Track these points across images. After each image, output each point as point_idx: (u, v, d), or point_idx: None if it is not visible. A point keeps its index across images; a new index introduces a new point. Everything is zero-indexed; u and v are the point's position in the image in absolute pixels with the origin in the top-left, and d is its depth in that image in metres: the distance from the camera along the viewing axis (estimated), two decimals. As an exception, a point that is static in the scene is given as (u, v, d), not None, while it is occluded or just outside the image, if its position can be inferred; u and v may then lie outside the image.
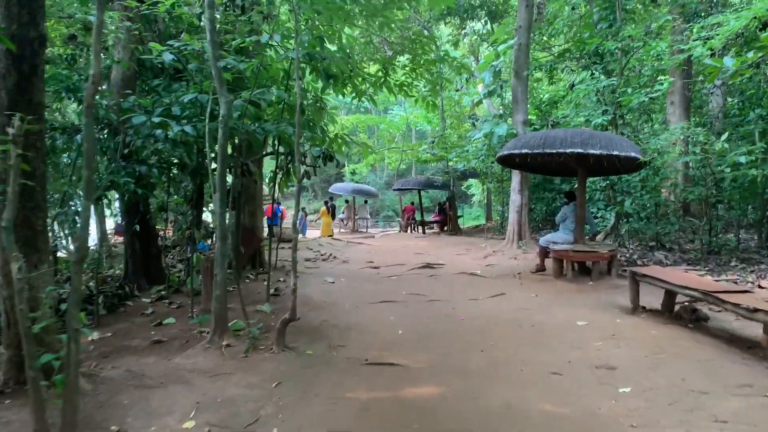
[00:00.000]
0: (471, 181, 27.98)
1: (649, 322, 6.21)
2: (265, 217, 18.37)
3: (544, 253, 9.80)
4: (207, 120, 5.19)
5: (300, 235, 19.05)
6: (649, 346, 5.15)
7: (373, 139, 27.41)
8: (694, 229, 11.53)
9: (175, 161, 6.64)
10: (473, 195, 34.72)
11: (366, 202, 26.16)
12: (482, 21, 19.22)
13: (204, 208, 9.69)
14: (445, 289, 8.39)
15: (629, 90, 9.85)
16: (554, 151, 8.31)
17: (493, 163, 16.44)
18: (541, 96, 15.42)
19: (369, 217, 26.41)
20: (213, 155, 6.90)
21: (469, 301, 7.48)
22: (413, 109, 27.17)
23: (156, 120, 5.70)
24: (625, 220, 10.96)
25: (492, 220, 21.94)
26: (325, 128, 7.35)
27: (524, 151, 8.57)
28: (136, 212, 7.79)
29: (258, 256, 9.40)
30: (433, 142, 19.08)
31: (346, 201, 25.91)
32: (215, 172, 5.23)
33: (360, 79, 7.22)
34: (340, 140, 7.81)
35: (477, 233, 19.95)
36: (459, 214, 21.47)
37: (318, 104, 8.20)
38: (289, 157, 8.93)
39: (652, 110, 13.68)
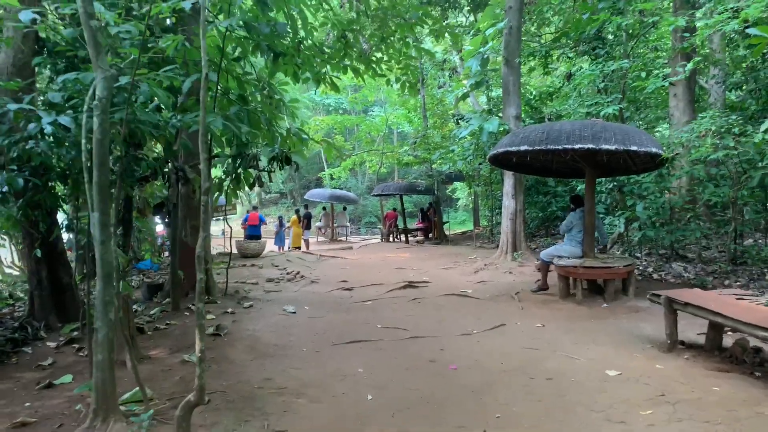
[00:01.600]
0: (456, 184, 26.51)
1: (698, 367, 4.71)
2: (248, 225, 16.79)
3: (547, 268, 8.31)
4: (85, 107, 3.59)
5: (277, 248, 17.42)
6: (721, 414, 3.63)
7: (351, 142, 25.85)
8: (707, 235, 10.12)
9: (60, 166, 4.99)
10: (458, 199, 33.26)
11: (345, 208, 24.57)
12: (464, 11, 17.77)
13: (137, 222, 8.06)
14: (430, 319, 6.83)
15: (643, 74, 8.40)
16: (559, 147, 6.82)
17: (481, 164, 14.96)
18: (531, 90, 13.99)
19: (348, 224, 24.83)
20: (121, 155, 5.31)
21: (461, 338, 5.92)
22: (393, 109, 25.66)
23: (16, 108, 4.06)
24: (636, 226, 9.51)
25: (480, 226, 20.48)
26: (273, 122, 5.76)
27: (523, 148, 7.07)
28: (37, 233, 6.13)
29: (206, 280, 7.76)
30: (415, 143, 17.59)
31: (324, 208, 24.32)
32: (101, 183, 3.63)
33: (314, 55, 5.70)
34: (294, 137, 6.23)
35: (464, 241, 18.45)
36: (444, 219, 19.95)
37: (266, 92, 6.63)
38: (239, 161, 7.37)
39: (647, 104, 12.32)
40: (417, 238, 20.85)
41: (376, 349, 5.50)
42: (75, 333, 6.19)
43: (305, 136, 6.45)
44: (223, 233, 18.25)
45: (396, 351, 5.42)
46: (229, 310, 7.00)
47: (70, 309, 6.65)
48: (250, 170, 7.44)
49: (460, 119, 20.56)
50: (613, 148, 6.61)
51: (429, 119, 19.68)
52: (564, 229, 8.14)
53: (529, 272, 10.15)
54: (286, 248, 17.89)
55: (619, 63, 8.61)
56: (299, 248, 17.59)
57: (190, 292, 7.71)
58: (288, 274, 10.37)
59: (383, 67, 8.00)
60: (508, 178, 11.03)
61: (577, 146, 6.72)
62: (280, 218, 18.81)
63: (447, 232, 20.16)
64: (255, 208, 17.28)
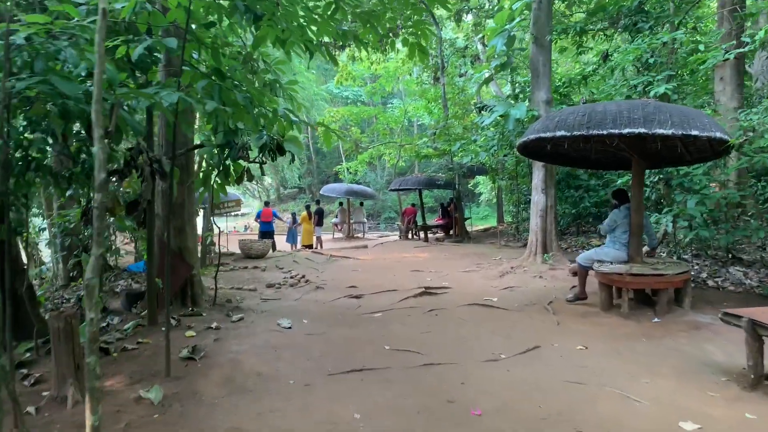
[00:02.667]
0: (478, 178, 25.28)
1: (803, 417, 3.58)
2: (261, 222, 15.90)
3: (585, 275, 7.17)
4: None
5: (289, 246, 16.50)
6: None
7: (368, 134, 24.73)
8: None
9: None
10: (480, 194, 32.00)
11: (362, 204, 23.54)
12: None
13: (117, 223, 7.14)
14: (449, 338, 5.76)
15: (701, 46, 7.17)
16: (603, 132, 5.67)
17: (506, 155, 13.80)
18: (559, 76, 12.71)
19: (366, 220, 23.80)
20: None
21: (487, 365, 4.84)
22: (412, 100, 24.52)
23: None
24: (683, 225, 8.29)
25: (504, 222, 19.28)
26: (256, 102, 4.71)
27: (559, 133, 5.92)
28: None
29: (189, 288, 6.78)
30: (434, 134, 16.46)
31: (340, 203, 23.34)
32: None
33: (296, 14, 4.64)
34: (281, 120, 5.18)
35: (487, 238, 17.29)
36: (466, 215, 18.79)
37: (249, 66, 5.61)
38: (227, 150, 6.36)
39: (691, 87, 11.03)
40: (437, 235, 19.75)
41: (382, 381, 4.45)
42: (28, 354, 5.27)
43: (295, 119, 5.39)
44: (246, 228, 17.31)
45: (406, 384, 4.36)
46: (214, 324, 6.00)
47: (30, 324, 5.73)
48: (240, 162, 6.42)
49: (483, 108, 19.40)
50: (669, 132, 5.45)
51: (449, 109, 18.52)
52: (606, 229, 6.97)
53: (562, 276, 9.00)
54: (298, 246, 16.95)
55: (672, 34, 7.39)
56: (310, 246, 16.63)
57: (174, 302, 6.74)
58: (292, 278, 9.37)
59: (387, 26, 6.82)
60: (538, 171, 9.86)
61: (625, 131, 5.56)
62: (293, 214, 17.86)
63: (469, 229, 19.01)
64: (267, 203, 16.39)
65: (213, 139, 6.35)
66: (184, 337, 5.62)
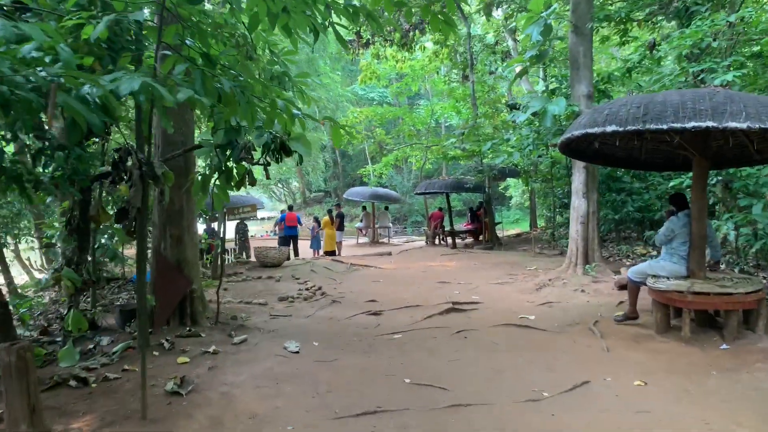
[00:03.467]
0: (509, 181, 24.27)
1: None
2: (285, 226, 15.28)
3: (637, 291, 6.26)
4: None
5: (312, 252, 15.85)
6: None
7: (392, 135, 23.95)
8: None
9: None
10: (511, 197, 30.92)
11: (387, 208, 22.77)
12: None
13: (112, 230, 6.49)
14: (479, 368, 4.93)
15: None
16: (664, 126, 4.79)
17: (540, 156, 12.87)
18: (596, 71, 11.62)
19: (391, 225, 23.03)
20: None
21: (526, 407, 4.00)
22: (440, 99, 23.68)
23: None
24: (746, 233, 7.31)
25: (537, 227, 18.29)
26: (244, 90, 3.96)
27: (611, 128, 5.06)
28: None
29: (189, 305, 6.08)
30: (463, 134, 15.61)
31: (364, 207, 22.62)
32: None
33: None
34: (281, 114, 4.44)
35: (520, 245, 16.34)
36: (496, 220, 17.85)
37: (245, 50, 4.88)
38: (228, 152, 5.66)
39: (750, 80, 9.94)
40: (465, 240, 18.85)
41: (399, 427, 3.66)
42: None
43: (297, 111, 4.63)
44: (275, 233, 16.65)
45: (427, 435, 3.56)
46: (212, 348, 5.29)
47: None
48: (243, 164, 5.71)
49: (514, 107, 18.45)
50: (744, 125, 4.56)
51: (479, 108, 17.65)
52: (661, 239, 6.05)
53: (606, 290, 8.08)
54: (321, 252, 16.24)
55: (740, 12, 6.44)
56: (333, 253, 15.91)
57: (171, 321, 6.07)
58: (307, 290, 8.65)
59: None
60: (579, 173, 8.94)
61: (689, 125, 4.68)
62: (316, 219, 17.15)
63: (500, 234, 18.07)
64: (291, 207, 15.73)
65: (214, 138, 5.68)
66: (175, 363, 4.92)
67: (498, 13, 18.18)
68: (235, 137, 5.42)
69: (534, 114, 9.16)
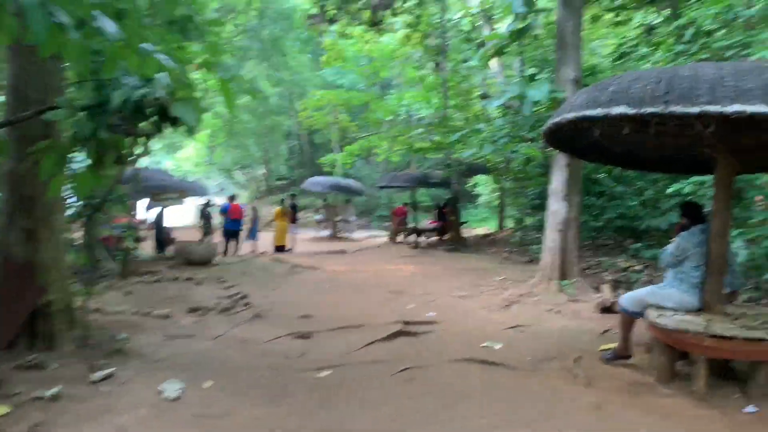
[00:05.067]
0: (478, 177, 22.99)
1: None
2: (230, 219, 13.57)
3: (631, 324, 4.94)
4: None
5: (250, 241, 14.19)
6: None
7: (359, 122, 22.37)
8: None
9: None
10: (479, 195, 29.67)
11: (349, 200, 21.26)
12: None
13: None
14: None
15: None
16: (695, 110, 3.45)
17: (514, 152, 11.54)
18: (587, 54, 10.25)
19: (354, 218, 21.53)
20: None
21: None
22: (410, 87, 22.15)
23: None
24: (760, 254, 6.08)
25: (505, 229, 17.06)
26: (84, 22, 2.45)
27: (618, 110, 3.70)
28: None
29: (43, 322, 4.51)
30: (431, 124, 14.22)
31: (325, 199, 21.09)
32: None
33: None
34: (151, 59, 2.94)
35: (487, 246, 15.02)
36: (463, 219, 16.52)
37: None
38: (98, 115, 4.12)
39: None
40: (430, 239, 17.50)
41: None
42: None
43: (165, 59, 3.12)
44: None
45: None
46: (54, 390, 3.75)
47: None
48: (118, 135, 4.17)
49: (487, 97, 17.13)
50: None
51: (450, 99, 16.26)
52: (669, 260, 4.71)
53: (586, 313, 6.79)
54: (258, 246, 14.39)
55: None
56: (283, 247, 14.34)
57: (18, 343, 4.48)
58: (229, 298, 7.13)
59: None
60: (559, 171, 7.60)
61: (732, 108, 3.35)
62: (254, 209, 15.38)
63: (466, 234, 16.73)
64: (233, 197, 14.04)
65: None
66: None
67: (475, -4, 16.79)
68: (105, 100, 3.88)
69: (508, 104, 7.79)
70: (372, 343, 5.46)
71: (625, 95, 3.75)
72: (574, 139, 5.17)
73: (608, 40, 18.45)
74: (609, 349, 5.30)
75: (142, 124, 3.85)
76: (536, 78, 8.04)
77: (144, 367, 4.48)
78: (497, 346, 5.55)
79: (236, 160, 36.05)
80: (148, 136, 4.15)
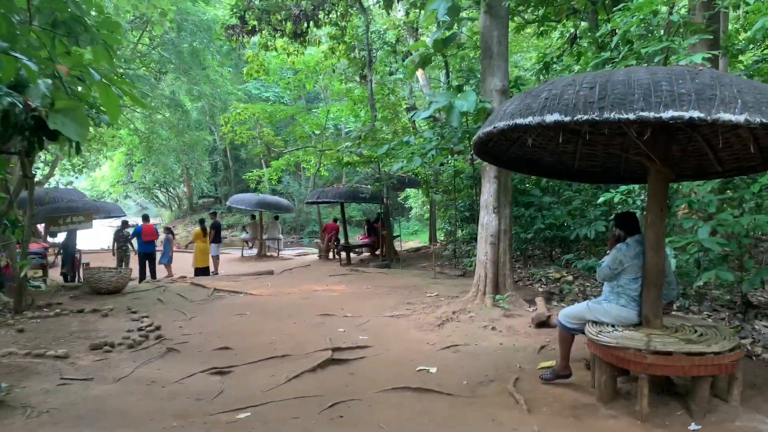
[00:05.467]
0: (409, 191, 22.90)
1: None
2: (144, 241, 12.59)
3: (570, 341, 4.74)
4: None
5: (163, 264, 13.27)
6: None
7: (284, 136, 21.78)
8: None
9: None
10: (410, 208, 29.68)
11: (277, 217, 20.57)
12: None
13: None
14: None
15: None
16: (631, 116, 3.26)
17: (443, 164, 11.42)
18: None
19: (281, 237, 20.83)
20: None
21: None
22: (336, 100, 21.86)
23: None
24: (688, 261, 6.10)
25: (436, 241, 16.95)
26: None
27: (551, 118, 3.46)
28: None
29: None
30: (360, 137, 13.92)
31: (252, 216, 20.31)
32: None
33: None
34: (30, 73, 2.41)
35: (419, 260, 14.82)
36: (395, 233, 16.26)
37: None
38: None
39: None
40: (362, 255, 17.14)
41: None
42: None
43: (30, 62, 2.61)
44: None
45: None
46: None
47: None
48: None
49: (414, 109, 17.04)
50: (742, 118, 3.15)
51: (378, 112, 16.04)
52: (606, 273, 4.53)
53: (522, 328, 6.58)
54: (172, 270, 13.48)
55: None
56: (206, 269, 13.52)
57: None
58: (140, 330, 6.43)
59: None
60: (489, 183, 7.43)
61: (668, 114, 3.18)
62: (169, 229, 14.46)
63: (398, 248, 16.46)
64: (147, 217, 13.10)
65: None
66: None
67: (399, 9, 16.70)
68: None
69: (435, 117, 7.56)
70: (298, 375, 4.98)
71: (559, 102, 3.53)
72: (504, 150, 4.96)
73: (530, 54, 18.90)
74: (548, 367, 5.09)
75: (13, 140, 3.26)
76: (463, 89, 7.85)
77: (27, 423, 3.81)
78: (433, 370, 5.23)
79: (156, 178, 34.38)
80: (26, 153, 3.56)
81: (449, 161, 11.68)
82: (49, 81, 3.26)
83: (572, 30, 7.98)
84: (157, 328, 6.61)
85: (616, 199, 6.55)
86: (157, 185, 38.32)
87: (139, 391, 4.54)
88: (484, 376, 5.06)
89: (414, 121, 16.91)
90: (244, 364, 5.31)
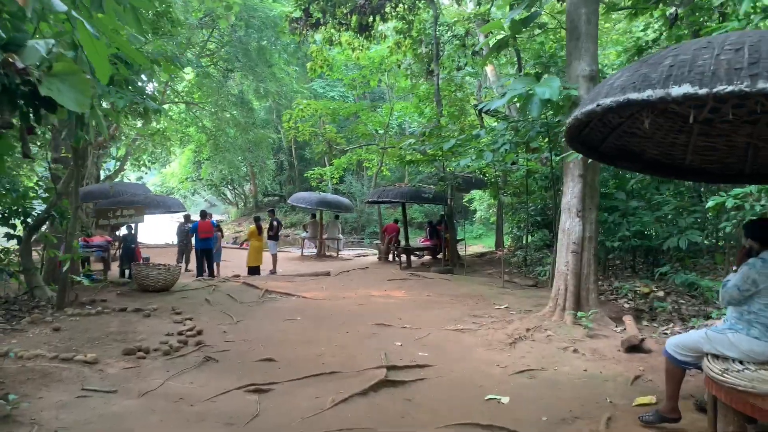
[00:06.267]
0: (474, 193, 21.89)
1: None
2: (200, 238, 12.38)
3: (681, 376, 3.81)
4: None
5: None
6: None
7: (346, 133, 21.32)
8: None
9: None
10: (475, 211, 28.56)
11: (337, 217, 20.09)
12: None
13: None
14: None
15: None
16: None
17: (514, 163, 10.49)
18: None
19: (341, 237, 20.35)
20: None
21: None
22: (401, 96, 21.17)
23: None
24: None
25: (503, 247, 15.95)
26: None
27: (681, 91, 2.58)
28: None
29: None
30: (424, 134, 13.16)
31: (313, 216, 19.92)
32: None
33: None
34: None
35: (485, 266, 13.88)
36: (459, 237, 15.36)
37: None
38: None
39: None
40: (423, 258, 16.36)
41: None
42: None
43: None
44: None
45: None
46: None
47: None
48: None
49: (484, 110, 16.12)
50: None
51: (444, 109, 15.21)
52: (733, 296, 3.56)
53: (610, 352, 5.63)
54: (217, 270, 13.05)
55: None
56: (258, 268, 13.10)
57: None
58: (180, 334, 5.93)
59: None
60: (573, 183, 6.50)
61: None
62: (217, 226, 13.98)
63: (461, 252, 15.51)
64: (205, 214, 12.83)
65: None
66: None
67: (469, 0, 15.85)
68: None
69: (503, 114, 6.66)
70: (347, 399, 4.28)
71: (690, 70, 2.66)
72: (600, 139, 4.08)
73: (608, 51, 17.55)
74: (646, 404, 4.19)
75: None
76: (538, 78, 6.94)
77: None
78: (504, 400, 4.41)
79: (223, 175, 34.89)
80: (29, 129, 3.02)
81: (521, 160, 10.75)
82: (52, 42, 2.70)
83: (673, 9, 6.88)
84: (199, 332, 6.09)
85: (728, 204, 5.48)
86: (223, 182, 38.93)
87: (163, 409, 3.97)
88: (567, 411, 4.19)
89: (482, 117, 15.99)
90: (287, 381, 4.66)
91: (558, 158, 7.28)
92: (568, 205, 6.58)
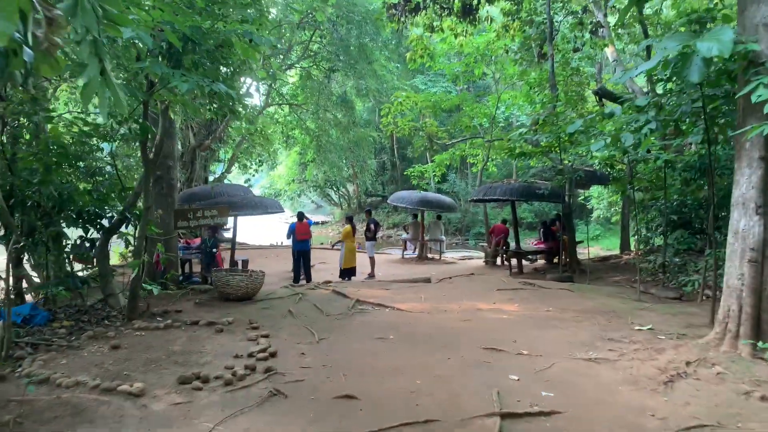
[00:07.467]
0: (594, 189, 19.75)
1: None
2: (298, 239, 11.84)
3: None
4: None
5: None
6: None
7: (448, 127, 19.99)
8: None
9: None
10: (592, 209, 26.15)
11: (440, 217, 18.86)
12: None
13: None
14: None
15: None
16: None
17: (649, 151, 8.76)
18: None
19: (444, 238, 19.11)
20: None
21: None
22: (508, 86, 19.48)
23: None
24: None
25: (631, 251, 13.91)
26: None
27: None
28: None
29: None
30: (537, 122, 11.61)
31: (414, 216, 18.85)
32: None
33: None
34: None
35: (609, 273, 12.02)
36: (578, 239, 13.54)
37: None
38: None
39: None
40: (536, 263, 14.73)
41: None
42: None
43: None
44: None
45: None
46: None
47: None
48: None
49: (605, 95, 14.20)
50: None
51: (559, 97, 13.47)
52: None
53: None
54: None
55: None
56: (352, 270, 12.18)
57: None
58: (250, 356, 5.03)
59: None
60: (750, 169, 4.86)
61: None
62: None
63: (580, 256, 13.67)
64: (302, 215, 12.15)
65: None
66: None
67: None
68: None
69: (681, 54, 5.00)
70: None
71: None
72: None
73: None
74: None
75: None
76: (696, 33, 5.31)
77: None
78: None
79: (327, 176, 34.92)
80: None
81: (654, 149, 8.97)
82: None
83: None
84: (272, 354, 5.16)
85: None
86: (327, 184, 39.04)
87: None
88: None
89: (603, 103, 14.10)
90: (367, 432, 3.55)
91: (730, 135, 5.61)
92: (743, 198, 4.93)
